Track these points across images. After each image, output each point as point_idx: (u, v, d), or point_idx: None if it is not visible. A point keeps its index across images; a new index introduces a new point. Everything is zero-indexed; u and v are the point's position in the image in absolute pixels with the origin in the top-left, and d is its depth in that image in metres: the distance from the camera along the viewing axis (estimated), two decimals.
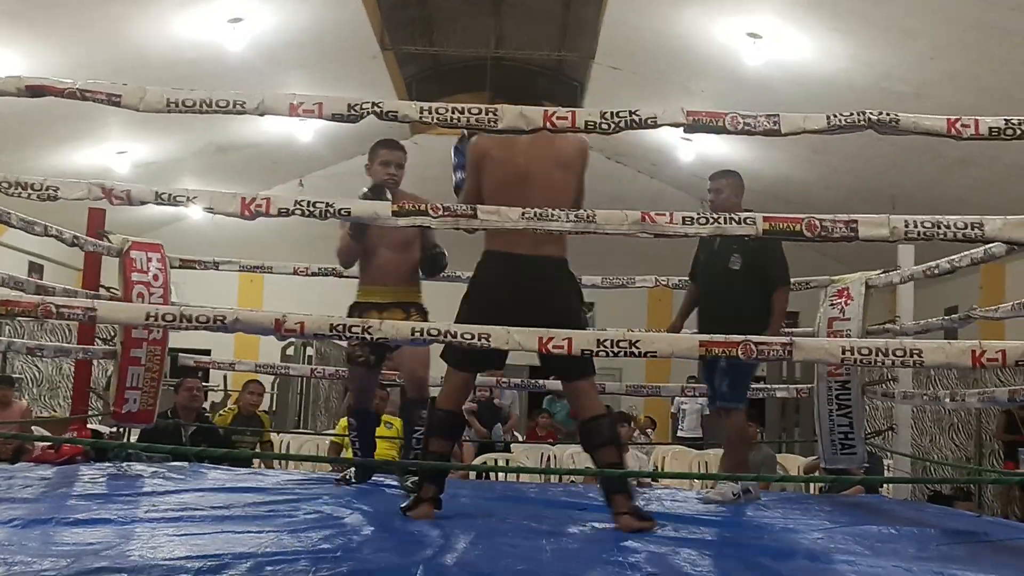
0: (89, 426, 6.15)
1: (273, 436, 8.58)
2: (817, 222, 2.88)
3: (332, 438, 7.32)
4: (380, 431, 7.16)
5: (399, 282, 4.79)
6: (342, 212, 3.02)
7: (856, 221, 2.86)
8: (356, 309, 4.73)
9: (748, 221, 2.88)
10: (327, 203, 3.02)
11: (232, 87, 3.29)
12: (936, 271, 4.75)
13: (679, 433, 13.03)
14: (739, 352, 2.77)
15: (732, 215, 2.93)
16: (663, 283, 6.19)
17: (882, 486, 6.82)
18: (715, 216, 2.93)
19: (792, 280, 5.59)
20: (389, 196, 4.41)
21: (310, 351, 11.96)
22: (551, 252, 3.68)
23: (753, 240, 4.69)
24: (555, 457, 8.34)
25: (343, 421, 7.35)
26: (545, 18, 14.42)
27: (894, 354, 2.75)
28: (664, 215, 2.97)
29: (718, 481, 5.01)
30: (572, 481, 7.15)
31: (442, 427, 3.82)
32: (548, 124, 2.96)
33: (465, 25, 14.43)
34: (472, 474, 7.45)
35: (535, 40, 14.25)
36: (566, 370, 3.73)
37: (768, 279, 5.09)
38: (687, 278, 5.58)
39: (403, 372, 4.85)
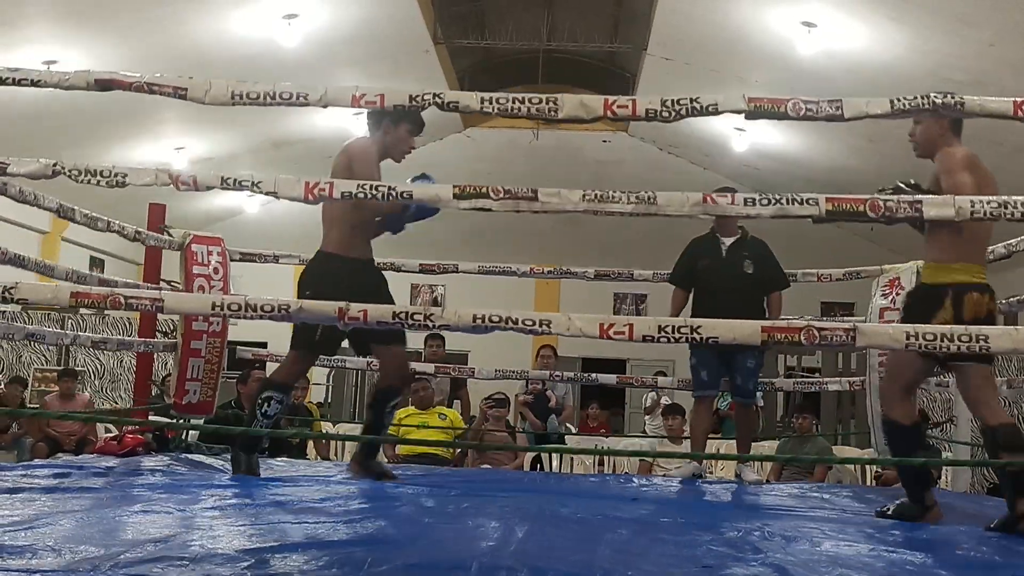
0: (150, 417, 6.24)
1: (328, 427, 8.67)
2: (881, 203, 2.85)
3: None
4: (434, 421, 7.22)
5: None
6: (404, 195, 3.04)
7: (920, 201, 2.83)
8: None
9: (811, 202, 2.85)
10: (389, 187, 3.04)
11: (288, 82, 3.34)
12: (991, 256, 4.67)
13: None
14: (802, 338, 2.74)
15: (794, 196, 2.90)
16: None
17: (939, 479, 6.74)
18: (777, 197, 2.91)
19: (842, 270, 5.97)
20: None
21: None
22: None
23: (757, 247, 5.68)
24: (608, 448, 8.34)
25: (398, 413, 7.39)
26: (597, 10, 14.37)
27: (959, 339, 2.72)
28: (725, 196, 2.96)
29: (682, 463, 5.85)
30: (625, 471, 7.15)
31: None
32: (609, 113, 2.95)
33: (517, 18, 14.42)
34: (527, 466, 7.46)
35: (587, 32, 14.19)
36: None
37: (773, 281, 5.74)
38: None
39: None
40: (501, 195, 2.93)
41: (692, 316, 5.53)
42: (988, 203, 2.80)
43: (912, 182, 3.82)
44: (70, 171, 3.05)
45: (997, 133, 8.55)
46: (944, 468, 6.95)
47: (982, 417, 3.81)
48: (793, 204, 2.89)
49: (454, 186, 3.04)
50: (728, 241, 5.71)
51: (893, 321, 5.25)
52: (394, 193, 2.95)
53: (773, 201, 2.91)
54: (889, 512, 3.92)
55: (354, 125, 14.03)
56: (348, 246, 4.46)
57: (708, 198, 2.92)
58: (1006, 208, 2.78)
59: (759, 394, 9.25)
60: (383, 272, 4.87)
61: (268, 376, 4.90)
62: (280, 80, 3.43)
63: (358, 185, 3.05)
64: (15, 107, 10.43)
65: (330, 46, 11.91)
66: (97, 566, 2.40)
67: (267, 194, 3.09)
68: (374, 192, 2.99)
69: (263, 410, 4.54)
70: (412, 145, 4.63)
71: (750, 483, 5.34)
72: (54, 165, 3.06)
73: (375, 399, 4.74)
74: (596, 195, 2.89)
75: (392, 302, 4.43)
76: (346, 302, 2.98)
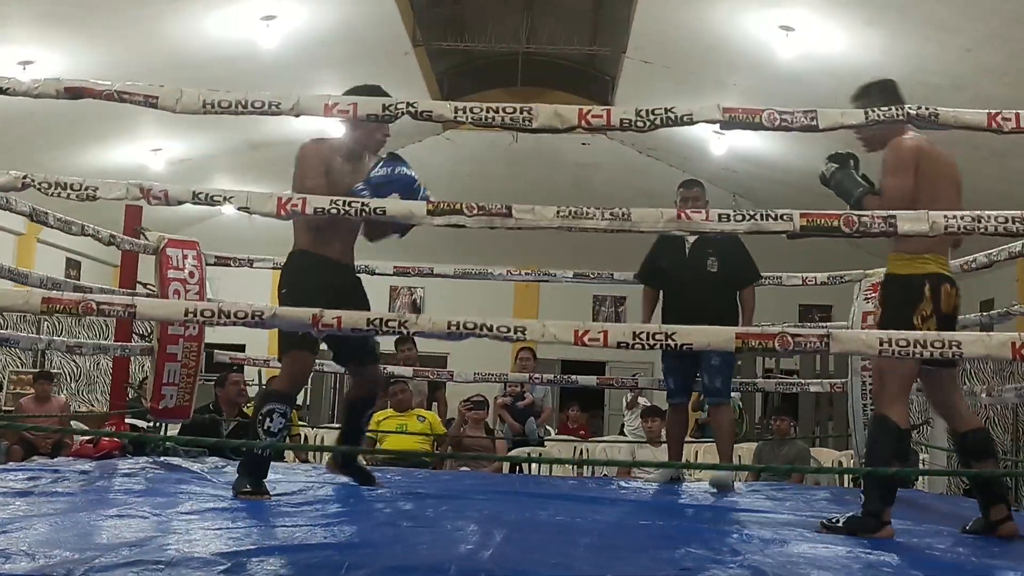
0: (127, 421, 6.21)
1: (307, 430, 8.65)
2: (855, 218, 2.86)
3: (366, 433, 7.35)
4: (413, 423, 7.21)
5: None
6: (376, 211, 3.04)
7: (895, 216, 2.84)
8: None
9: (785, 218, 2.86)
10: (362, 202, 3.04)
11: (266, 85, 3.33)
12: (974, 265, 4.71)
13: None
14: (776, 344, 2.75)
15: (768, 212, 2.91)
16: None
17: (917, 480, 6.78)
18: (751, 213, 2.91)
19: (826, 274, 5.72)
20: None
21: None
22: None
23: (724, 242, 5.33)
24: (587, 450, 8.36)
25: (377, 415, 7.38)
26: (576, 13, 14.38)
27: (932, 346, 2.73)
28: (699, 213, 2.97)
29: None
30: (605, 474, 7.16)
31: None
32: (583, 123, 2.96)
33: (496, 20, 14.41)
34: (506, 468, 7.46)
35: (567, 35, 14.21)
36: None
37: (741, 278, 5.52)
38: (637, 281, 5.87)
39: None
40: (475, 212, 2.93)
41: (662, 317, 5.54)
42: (962, 218, 2.81)
43: (846, 152, 3.80)
44: (40, 184, 3.02)
45: (974, 137, 8.61)
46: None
47: (953, 423, 3.78)
48: (767, 220, 2.89)
49: (427, 202, 3.04)
50: (692, 237, 5.51)
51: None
52: (367, 208, 2.94)
53: (747, 217, 2.92)
54: (839, 524, 3.62)
55: (332, 128, 14.01)
56: (316, 245, 4.20)
57: (682, 214, 2.93)
58: (979, 223, 2.79)
59: (736, 395, 9.35)
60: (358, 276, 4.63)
61: (267, 387, 4.68)
62: (259, 82, 3.43)
63: (331, 201, 3.04)
64: None
65: (309, 48, 11.87)
66: (71, 570, 2.40)
67: (240, 209, 3.07)
68: (347, 208, 2.97)
69: (265, 427, 4.03)
70: (386, 133, 4.42)
71: (711, 481, 5.19)
72: (24, 178, 3.03)
73: (349, 409, 4.59)
74: (570, 211, 2.90)
75: (368, 305, 4.32)
76: (320, 309, 2.96)
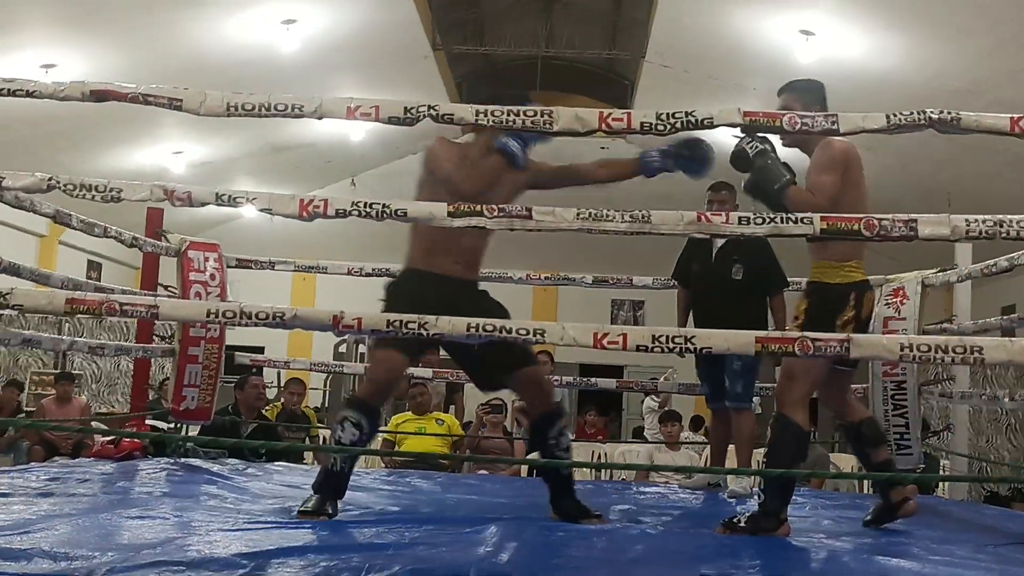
0: (148, 422, 6.24)
1: (326, 432, 8.67)
2: (876, 221, 2.85)
3: (384, 435, 7.36)
4: (431, 427, 7.22)
5: None
6: (398, 213, 3.04)
7: (916, 220, 2.83)
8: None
9: (805, 221, 2.86)
10: (383, 204, 3.04)
11: (286, 88, 3.34)
12: (994, 269, 4.69)
13: None
14: (796, 348, 2.75)
15: (788, 215, 2.91)
16: None
17: (938, 487, 6.74)
18: (771, 216, 2.91)
19: None
20: None
21: (362, 349, 12.05)
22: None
23: (752, 248, 5.23)
24: (606, 455, 8.35)
25: (395, 418, 7.40)
26: (596, 17, 14.39)
27: (954, 351, 2.71)
28: (720, 215, 2.97)
29: (736, 478, 5.26)
30: (623, 478, 7.15)
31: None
32: (604, 126, 2.96)
33: (516, 25, 14.44)
34: (524, 472, 7.47)
35: (586, 39, 14.24)
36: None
37: (770, 284, 5.44)
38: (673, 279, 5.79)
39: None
40: (495, 213, 2.94)
41: (693, 322, 5.52)
42: (984, 223, 2.79)
43: (761, 136, 3.72)
44: (65, 185, 3.04)
45: (996, 142, 8.58)
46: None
47: (846, 416, 3.94)
48: (787, 223, 2.89)
49: (448, 204, 3.03)
50: (720, 242, 5.42)
51: (898, 331, 5.26)
52: (388, 210, 2.95)
53: (768, 220, 2.91)
54: (742, 524, 3.58)
55: (353, 131, 14.06)
56: (427, 260, 3.72)
57: (702, 216, 2.93)
58: (1001, 227, 2.78)
59: (756, 400, 9.29)
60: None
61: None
62: (278, 85, 3.44)
63: (352, 203, 3.04)
64: (13, 111, 10.44)
65: (329, 52, 11.92)
66: (92, 571, 2.41)
67: (261, 211, 3.08)
68: (368, 209, 2.97)
69: (337, 437, 3.63)
70: None
71: (729, 494, 5.12)
72: (49, 179, 3.05)
73: (532, 435, 3.95)
74: (590, 213, 2.90)
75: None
76: (340, 310, 2.97)
